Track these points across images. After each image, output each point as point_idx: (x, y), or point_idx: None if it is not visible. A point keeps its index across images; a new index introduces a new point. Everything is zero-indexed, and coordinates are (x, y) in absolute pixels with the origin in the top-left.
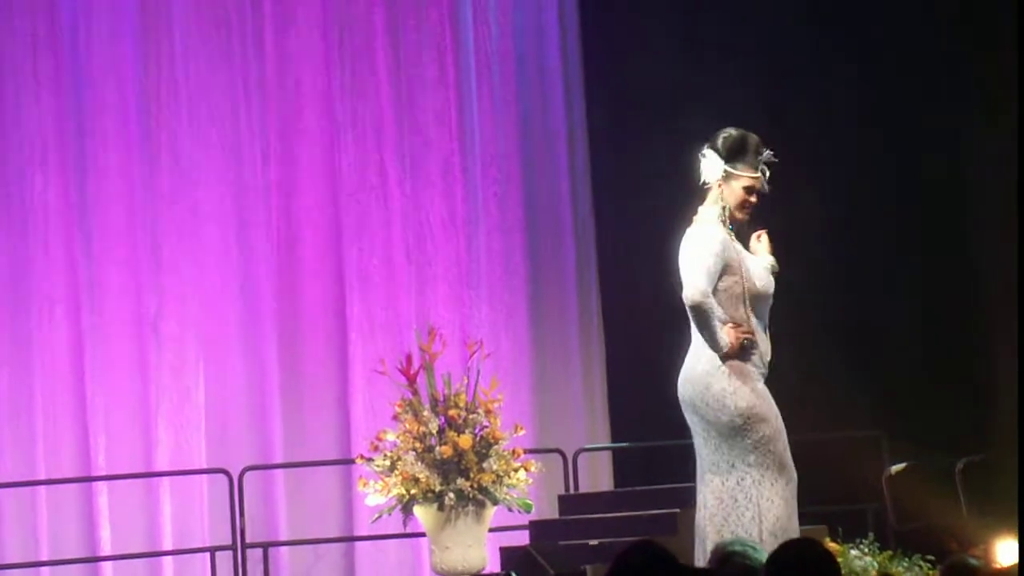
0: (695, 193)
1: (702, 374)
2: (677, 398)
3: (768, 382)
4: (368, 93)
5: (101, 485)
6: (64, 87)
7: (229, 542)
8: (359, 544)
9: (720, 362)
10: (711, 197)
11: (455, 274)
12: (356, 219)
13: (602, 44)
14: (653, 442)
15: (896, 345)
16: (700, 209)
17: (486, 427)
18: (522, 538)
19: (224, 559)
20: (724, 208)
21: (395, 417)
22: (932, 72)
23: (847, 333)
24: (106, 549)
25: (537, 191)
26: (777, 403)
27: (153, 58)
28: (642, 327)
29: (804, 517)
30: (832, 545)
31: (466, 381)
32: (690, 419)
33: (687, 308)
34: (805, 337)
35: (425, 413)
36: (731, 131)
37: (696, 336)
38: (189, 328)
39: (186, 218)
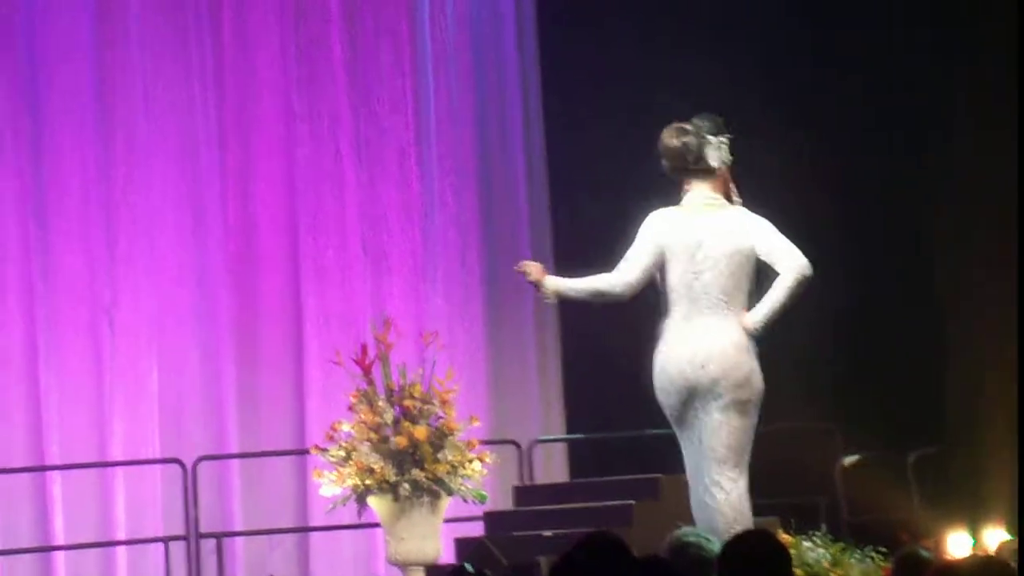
0: (652, 182)
1: (734, 352)
2: (644, 387)
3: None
4: (324, 82)
5: (54, 475)
6: (18, 73)
7: (183, 532)
8: (314, 534)
9: (748, 341)
10: (718, 181)
11: (410, 265)
12: (312, 209)
13: (558, 33)
14: (608, 433)
15: (850, 335)
16: (721, 195)
17: (441, 418)
18: (477, 529)
19: (178, 549)
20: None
21: (350, 408)
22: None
23: (800, 323)
24: (59, 539)
25: (494, 182)
26: None
27: (108, 44)
28: (598, 319)
29: (757, 509)
30: (785, 537)
31: (421, 372)
32: (730, 402)
33: (803, 279)
34: None
35: (380, 403)
36: (715, 116)
37: (718, 314)
38: (143, 317)
39: (141, 207)
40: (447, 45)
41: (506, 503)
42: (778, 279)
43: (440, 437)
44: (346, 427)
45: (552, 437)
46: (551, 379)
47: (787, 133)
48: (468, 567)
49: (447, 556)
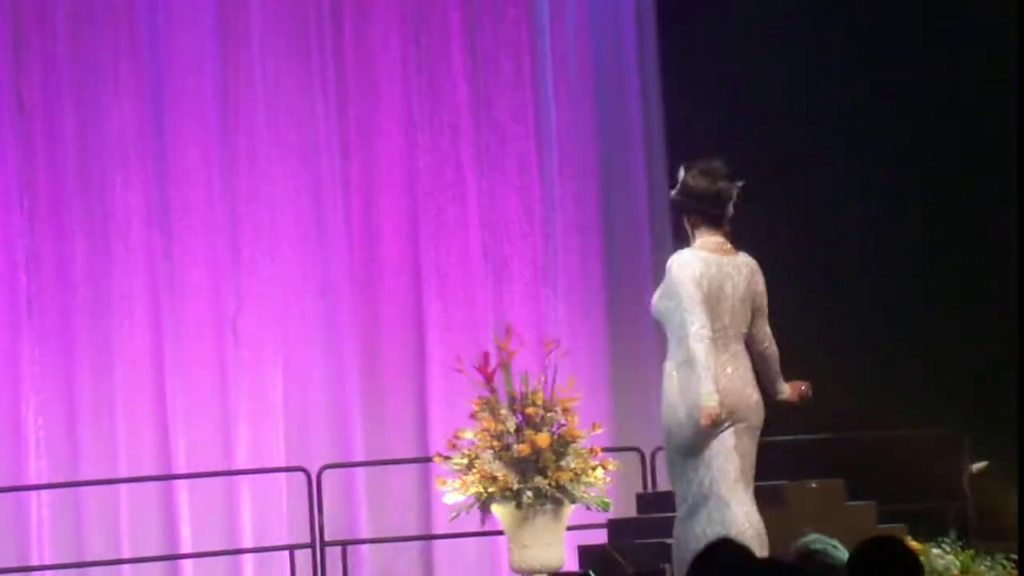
0: (770, 189)
1: (753, 383)
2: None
3: (849, 378)
4: (445, 92)
5: (181, 483)
6: (144, 90)
7: (308, 540)
8: (437, 542)
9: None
10: (727, 226)
11: (532, 272)
12: (433, 218)
13: (680, 41)
14: None
15: (977, 342)
16: (728, 240)
17: (563, 425)
18: (600, 537)
19: (303, 557)
20: None
21: (473, 415)
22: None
23: (925, 330)
24: (187, 547)
25: (614, 188)
26: (858, 400)
27: (231, 60)
28: None
29: (886, 516)
30: (913, 544)
31: (543, 379)
32: (744, 428)
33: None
34: (881, 334)
35: (503, 411)
36: (725, 162)
37: (742, 349)
38: (268, 327)
39: (264, 218)
40: (567, 53)
41: (629, 510)
42: (772, 350)
43: (562, 444)
44: (469, 435)
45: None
46: None
47: (908, 148)
48: (592, 575)
49: (570, 564)
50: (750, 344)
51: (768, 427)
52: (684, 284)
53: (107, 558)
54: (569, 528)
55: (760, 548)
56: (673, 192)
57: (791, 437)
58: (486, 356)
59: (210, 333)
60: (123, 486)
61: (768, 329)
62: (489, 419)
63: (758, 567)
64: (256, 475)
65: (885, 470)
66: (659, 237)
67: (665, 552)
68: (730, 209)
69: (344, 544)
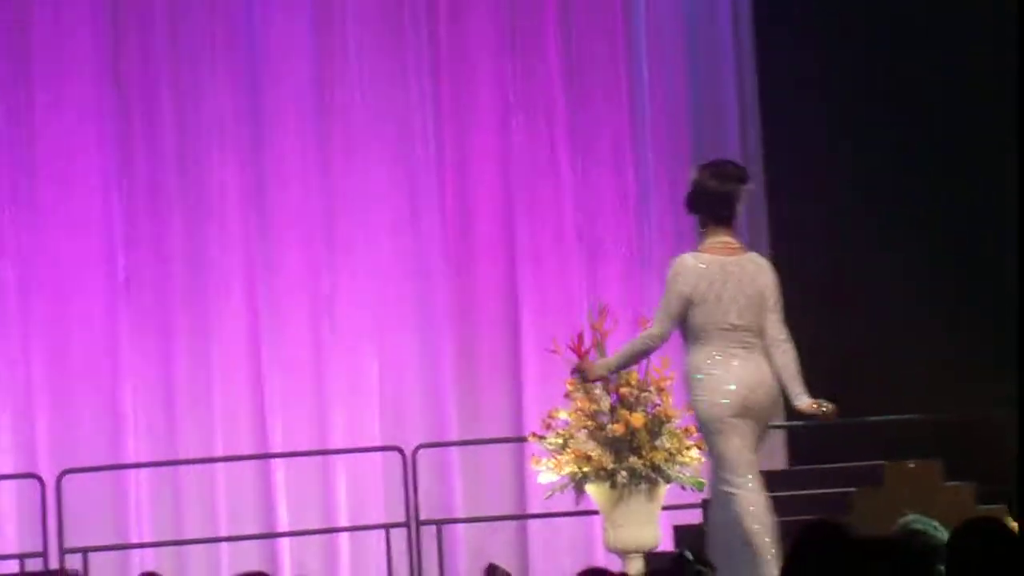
0: (866, 176)
1: (761, 380)
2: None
3: (948, 357)
4: (538, 72)
5: (278, 463)
6: (241, 71)
7: (403, 519)
8: (532, 522)
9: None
10: (735, 225)
11: (626, 252)
12: (527, 198)
13: (775, 19)
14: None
15: None
16: (736, 239)
17: (658, 405)
18: (695, 516)
19: (398, 536)
20: None
21: (567, 395)
22: None
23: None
24: (283, 526)
25: None
26: (956, 379)
27: (327, 41)
28: (814, 304)
29: (984, 496)
30: (1013, 525)
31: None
32: (760, 425)
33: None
34: (983, 312)
35: (597, 391)
36: (738, 163)
37: (759, 346)
38: (363, 308)
39: (359, 198)
40: (661, 32)
41: None
42: (784, 349)
43: (657, 424)
44: (563, 415)
45: (772, 424)
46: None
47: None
48: (688, 554)
49: (665, 543)
50: (765, 341)
51: (867, 407)
52: (668, 291)
53: (205, 536)
54: (664, 508)
55: (764, 531)
56: (686, 193)
57: (889, 417)
58: (580, 336)
59: (305, 314)
60: (220, 465)
61: (780, 327)
62: (583, 399)
63: (857, 548)
64: (352, 455)
65: (984, 450)
66: (754, 216)
67: None
68: (739, 210)
69: (439, 523)
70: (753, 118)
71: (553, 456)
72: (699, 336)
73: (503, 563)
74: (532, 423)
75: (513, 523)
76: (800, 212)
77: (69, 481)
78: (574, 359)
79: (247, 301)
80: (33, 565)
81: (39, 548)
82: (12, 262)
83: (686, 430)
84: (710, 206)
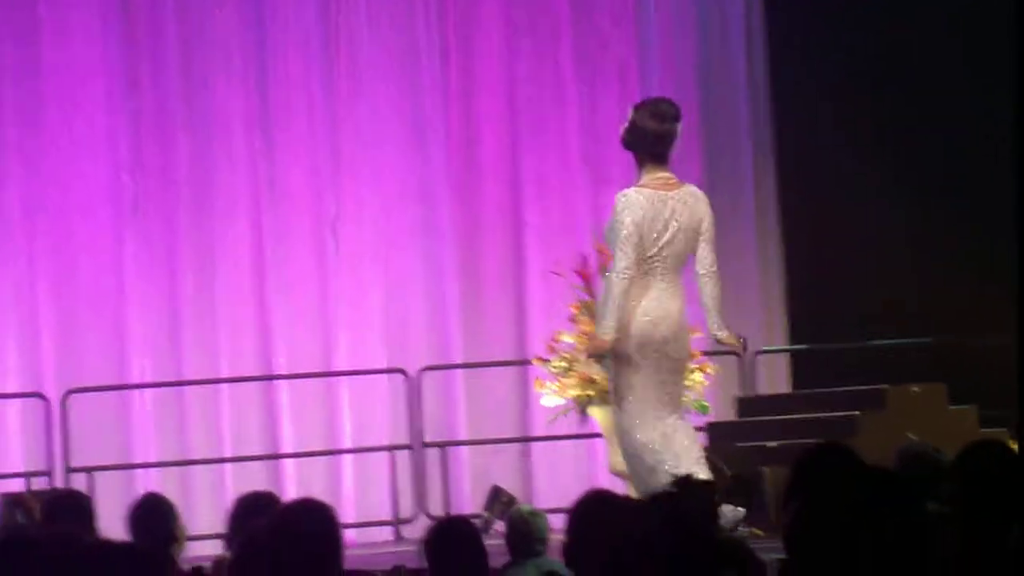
0: (874, 97)
1: (680, 314)
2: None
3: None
4: None
5: (283, 384)
6: None
7: (407, 441)
8: (536, 444)
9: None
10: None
11: (630, 177)
12: (532, 122)
13: None
14: (832, 344)
15: None
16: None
17: None
18: (699, 440)
19: (403, 458)
20: None
21: (571, 319)
22: None
23: None
24: (288, 447)
25: (714, 94)
26: (960, 303)
27: None
28: (821, 228)
29: (987, 420)
30: (1015, 447)
31: None
32: (663, 357)
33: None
34: (985, 236)
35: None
36: (673, 102)
37: (675, 280)
38: (367, 231)
39: (364, 122)
40: None
41: (728, 414)
42: (715, 279)
43: None
44: (567, 338)
45: (774, 348)
46: (773, 289)
47: None
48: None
49: None
50: (695, 267)
51: (870, 331)
52: (624, 224)
53: (209, 456)
54: None
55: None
56: (623, 131)
57: (893, 341)
58: (585, 259)
59: (310, 236)
60: (225, 386)
61: (712, 257)
62: (588, 322)
63: (862, 470)
64: (356, 376)
65: (987, 374)
66: (759, 140)
67: (765, 455)
68: (674, 147)
69: (443, 445)
70: (760, 38)
71: (557, 379)
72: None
73: (507, 486)
74: (536, 346)
75: (517, 446)
76: (807, 133)
77: (74, 401)
78: (579, 282)
79: (252, 224)
80: (38, 484)
81: (44, 467)
82: (19, 185)
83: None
84: (648, 144)
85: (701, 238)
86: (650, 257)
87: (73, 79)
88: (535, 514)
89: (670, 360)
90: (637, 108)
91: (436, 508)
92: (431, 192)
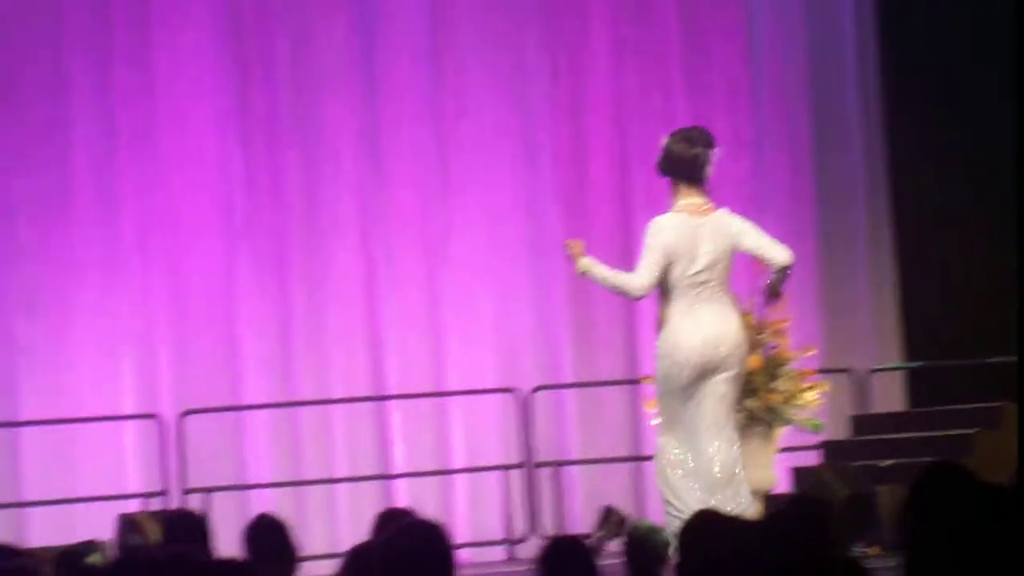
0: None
1: (738, 331)
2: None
3: None
4: (654, 12)
5: (395, 404)
6: (354, 12)
7: (519, 460)
8: (649, 463)
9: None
10: (706, 187)
11: (742, 194)
12: (641, 139)
13: None
14: (948, 361)
15: None
16: (708, 200)
17: (775, 347)
18: (812, 459)
19: (515, 477)
20: None
21: None
22: None
23: None
24: (400, 466)
25: (825, 109)
26: None
27: None
28: (936, 243)
29: None
30: None
31: (754, 301)
32: (725, 376)
33: (788, 268)
34: None
35: None
36: (706, 130)
37: (724, 296)
38: (477, 248)
39: (473, 139)
40: None
41: (843, 433)
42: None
43: (774, 366)
44: None
45: (889, 365)
46: (887, 305)
47: None
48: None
49: (783, 485)
50: (768, 266)
51: (987, 348)
52: (648, 247)
53: (322, 476)
54: (781, 450)
55: (726, 487)
56: (657, 157)
57: (1010, 359)
58: None
59: (420, 254)
60: (337, 406)
61: (769, 244)
62: None
63: (979, 490)
64: (468, 396)
65: None
66: (871, 157)
67: (879, 474)
68: (708, 171)
69: (555, 465)
70: (872, 54)
71: None
72: (671, 292)
73: (619, 505)
74: (648, 365)
75: (629, 465)
76: (921, 147)
77: (189, 422)
78: None
79: (362, 242)
80: (155, 504)
81: (160, 488)
82: (132, 206)
83: (803, 372)
84: (679, 169)
85: (749, 248)
86: (692, 282)
87: (184, 99)
88: (655, 530)
89: (735, 372)
90: (670, 135)
91: (548, 528)
92: (540, 209)
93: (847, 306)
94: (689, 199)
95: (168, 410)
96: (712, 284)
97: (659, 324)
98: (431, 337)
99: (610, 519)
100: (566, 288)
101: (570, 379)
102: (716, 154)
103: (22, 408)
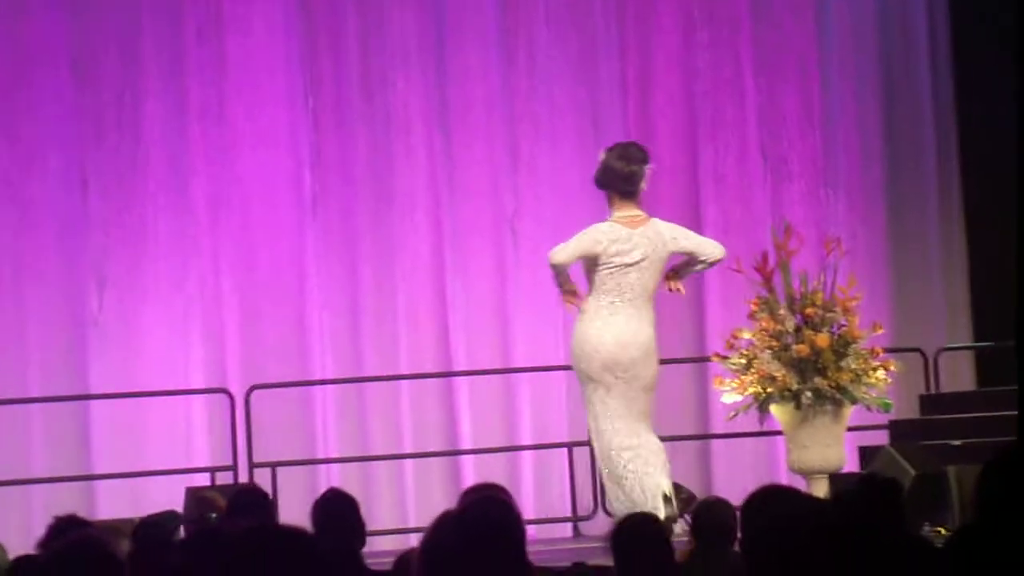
0: None
1: (649, 339)
2: None
3: None
4: None
5: (461, 379)
6: None
7: (585, 438)
8: (715, 442)
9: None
10: (640, 198)
11: (811, 171)
12: (711, 117)
13: None
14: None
15: None
16: (642, 210)
17: (843, 326)
18: (881, 438)
19: (581, 454)
20: None
21: (751, 315)
22: None
23: None
24: (466, 443)
25: (896, 86)
26: None
27: None
28: (1007, 221)
29: None
30: None
31: (823, 279)
32: (634, 378)
33: (718, 262)
34: None
35: (781, 311)
36: (642, 146)
37: (644, 307)
38: (546, 226)
39: (543, 117)
40: None
41: (911, 412)
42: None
43: (843, 345)
44: (747, 335)
45: (959, 345)
46: (957, 285)
47: None
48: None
49: (851, 464)
50: (717, 260)
51: None
52: (578, 237)
53: (388, 452)
54: (849, 429)
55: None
56: (596, 171)
57: None
58: (764, 256)
59: (489, 231)
60: (405, 382)
61: (703, 241)
62: (767, 319)
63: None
64: (535, 372)
65: None
66: (943, 136)
67: (949, 453)
68: (643, 186)
69: None
70: (944, 32)
71: (736, 376)
72: (597, 287)
73: (686, 483)
74: (715, 343)
75: (696, 443)
76: (993, 125)
77: (257, 397)
78: (758, 278)
79: (431, 220)
80: (223, 478)
81: (229, 462)
82: (202, 181)
83: (872, 351)
84: (616, 183)
85: (683, 249)
86: (616, 285)
87: (255, 75)
88: (723, 506)
89: (640, 380)
90: (608, 150)
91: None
92: None
93: (917, 285)
94: (624, 211)
95: (237, 385)
96: (636, 290)
97: (578, 317)
98: (498, 314)
99: (677, 495)
100: None
101: None
102: (650, 170)
103: (93, 382)
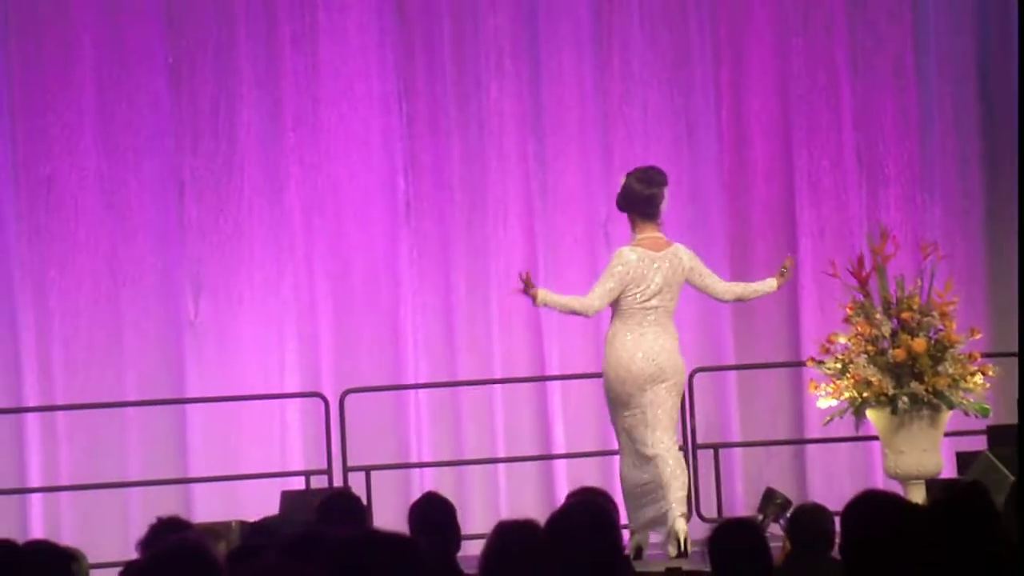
0: None
1: (675, 348)
2: None
3: None
4: None
5: (554, 384)
6: None
7: (680, 443)
8: (810, 447)
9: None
10: (660, 221)
11: (908, 176)
12: (806, 121)
13: None
14: None
15: None
16: (662, 234)
17: (941, 330)
18: (979, 443)
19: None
20: None
21: (846, 320)
22: None
23: None
24: (560, 447)
25: (995, 90)
26: None
27: None
28: None
29: None
30: None
31: (920, 283)
32: (665, 386)
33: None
34: None
35: (877, 316)
36: (661, 169)
37: (667, 324)
38: None
39: (636, 121)
40: None
41: (1010, 417)
42: (734, 290)
43: (940, 350)
44: (842, 339)
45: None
46: None
47: None
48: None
49: (948, 470)
50: (720, 300)
51: None
52: (609, 274)
53: (482, 456)
54: (946, 434)
55: (674, 480)
56: (617, 195)
57: None
58: (860, 260)
59: (582, 236)
60: (498, 386)
61: (718, 283)
62: (863, 323)
63: None
64: None
65: None
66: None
67: None
68: (662, 208)
69: (715, 447)
70: None
71: (832, 381)
72: (622, 313)
73: (781, 488)
74: (810, 347)
75: (791, 448)
76: None
77: (352, 400)
78: (853, 283)
79: (524, 225)
80: (318, 482)
81: (323, 466)
82: (297, 187)
83: (970, 356)
84: (637, 206)
85: (696, 283)
86: (643, 307)
87: (349, 82)
88: (818, 511)
89: (668, 380)
90: (629, 174)
91: (709, 510)
92: (702, 192)
93: (1015, 290)
94: (646, 233)
95: (331, 389)
96: (659, 311)
97: (607, 340)
98: (592, 319)
99: (773, 501)
100: (727, 269)
101: (731, 361)
102: (666, 192)
103: (189, 386)
